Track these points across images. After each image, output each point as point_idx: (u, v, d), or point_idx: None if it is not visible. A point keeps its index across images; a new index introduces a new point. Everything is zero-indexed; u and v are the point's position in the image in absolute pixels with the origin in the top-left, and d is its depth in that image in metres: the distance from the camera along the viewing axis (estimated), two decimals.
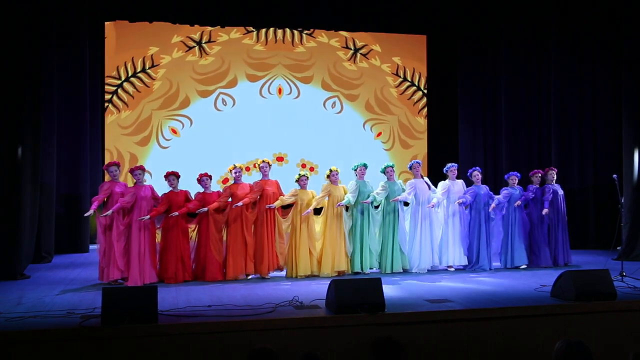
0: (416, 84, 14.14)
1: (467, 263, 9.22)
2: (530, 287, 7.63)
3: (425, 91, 14.23)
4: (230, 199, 8.39)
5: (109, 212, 7.80)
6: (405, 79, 14.08)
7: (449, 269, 9.12)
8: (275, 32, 13.42)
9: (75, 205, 11.07)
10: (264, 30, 13.38)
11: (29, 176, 8.78)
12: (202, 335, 5.62)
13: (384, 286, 6.24)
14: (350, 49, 13.83)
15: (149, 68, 12.79)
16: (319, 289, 7.22)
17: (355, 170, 8.93)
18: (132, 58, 12.76)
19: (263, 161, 8.76)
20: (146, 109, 12.78)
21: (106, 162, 9.34)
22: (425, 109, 14.28)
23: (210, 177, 8.51)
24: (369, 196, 8.75)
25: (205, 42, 13.12)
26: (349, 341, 5.76)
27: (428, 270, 9.00)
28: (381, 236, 8.90)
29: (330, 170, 8.83)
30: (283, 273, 8.60)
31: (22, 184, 8.61)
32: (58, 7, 10.15)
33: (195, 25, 12.96)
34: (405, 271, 8.93)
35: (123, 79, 12.67)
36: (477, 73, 13.48)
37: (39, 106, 9.14)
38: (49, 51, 9.72)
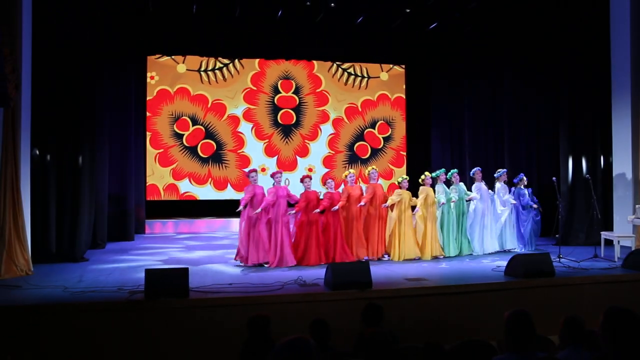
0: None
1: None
2: (488, 267, 7.66)
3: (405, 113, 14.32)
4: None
5: (259, 209, 7.75)
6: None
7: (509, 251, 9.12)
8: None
9: (123, 203, 11.03)
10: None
11: (87, 180, 8.78)
12: (224, 307, 5.65)
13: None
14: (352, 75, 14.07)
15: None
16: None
17: (437, 177, 8.93)
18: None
19: (373, 168, 8.80)
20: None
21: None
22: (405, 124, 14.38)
23: (334, 179, 8.43)
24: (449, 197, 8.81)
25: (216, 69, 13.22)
26: (342, 312, 5.77)
27: (497, 251, 9.13)
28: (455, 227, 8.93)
29: (425, 175, 8.85)
30: (386, 257, 8.55)
31: (81, 186, 8.61)
32: (109, 47, 10.16)
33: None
34: (469, 255, 8.92)
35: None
36: (445, 97, 13.48)
37: (94, 124, 9.15)
38: (102, 79, 9.71)
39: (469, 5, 10.70)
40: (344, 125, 13.98)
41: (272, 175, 8.25)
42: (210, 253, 9.23)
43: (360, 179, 8.78)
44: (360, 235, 8.39)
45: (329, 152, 13.86)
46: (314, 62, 13.74)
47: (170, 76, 12.90)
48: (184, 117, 12.94)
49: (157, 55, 12.73)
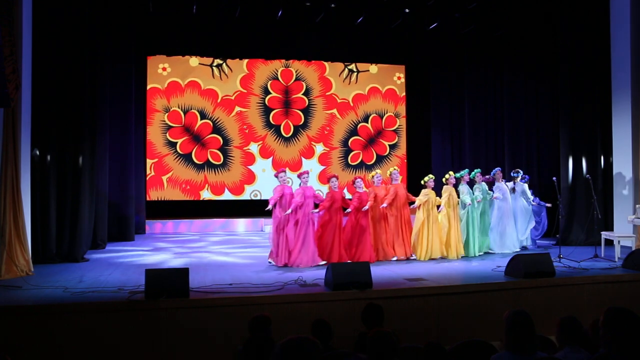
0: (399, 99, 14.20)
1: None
2: (489, 267, 7.65)
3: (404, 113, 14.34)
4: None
5: (289, 210, 7.72)
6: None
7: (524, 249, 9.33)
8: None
9: (123, 203, 11.00)
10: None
11: (87, 180, 8.77)
12: (225, 308, 5.64)
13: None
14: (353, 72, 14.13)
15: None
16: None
17: (462, 177, 8.98)
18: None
19: (395, 168, 8.78)
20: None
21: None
22: (405, 124, 14.40)
23: (361, 178, 8.46)
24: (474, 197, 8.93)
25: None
26: (342, 312, 5.77)
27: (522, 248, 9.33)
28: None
29: (450, 174, 8.89)
30: (413, 256, 8.58)
31: (82, 187, 8.60)
32: (109, 49, 10.18)
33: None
34: (490, 252, 9.02)
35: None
36: (446, 98, 13.49)
37: (95, 124, 9.14)
38: (102, 79, 9.70)
39: (469, 5, 10.69)
40: (337, 121, 13.99)
41: (299, 176, 8.19)
42: (212, 252, 9.24)
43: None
44: (387, 235, 8.39)
45: (324, 150, 13.88)
46: (314, 62, 13.79)
47: (182, 69, 13.02)
48: (192, 110, 13.03)
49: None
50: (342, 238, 8.04)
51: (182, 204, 13.05)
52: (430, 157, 13.57)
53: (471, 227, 8.86)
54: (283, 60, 13.60)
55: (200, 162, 13.09)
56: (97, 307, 5.46)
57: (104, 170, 10.12)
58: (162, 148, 12.90)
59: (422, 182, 8.80)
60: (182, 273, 5.79)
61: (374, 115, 14.20)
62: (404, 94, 14.40)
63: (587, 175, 9.39)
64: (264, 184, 13.27)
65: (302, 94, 13.75)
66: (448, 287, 6.39)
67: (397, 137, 14.33)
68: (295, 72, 13.74)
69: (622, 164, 9.72)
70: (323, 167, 13.64)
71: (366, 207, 8.06)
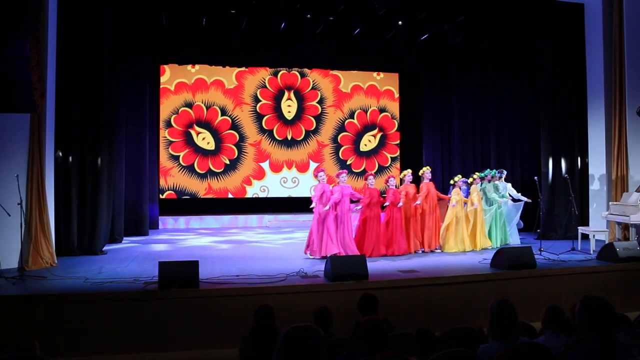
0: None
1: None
2: (475, 260, 7.66)
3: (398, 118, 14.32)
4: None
5: (327, 206, 7.71)
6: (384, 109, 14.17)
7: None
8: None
9: (138, 201, 10.95)
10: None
11: (105, 179, 8.77)
12: (232, 297, 5.66)
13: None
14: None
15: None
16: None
17: (485, 177, 9.06)
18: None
19: (427, 168, 8.81)
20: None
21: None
22: (399, 128, 14.39)
23: (394, 177, 8.49)
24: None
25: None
26: (341, 301, 5.76)
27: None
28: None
29: (476, 175, 8.99)
30: (438, 248, 8.62)
31: (100, 185, 8.61)
32: (126, 58, 10.19)
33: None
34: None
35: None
36: (436, 103, 13.44)
37: (112, 128, 9.14)
38: (119, 85, 9.71)
39: (457, 18, 10.68)
40: (325, 119, 13.96)
41: (337, 175, 8.15)
42: (220, 245, 9.23)
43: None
44: (416, 230, 8.42)
45: (317, 147, 13.87)
46: (321, 72, 13.83)
47: (208, 69, 13.00)
48: (214, 107, 13.04)
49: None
50: (380, 231, 8.07)
51: (193, 201, 13.04)
52: (422, 156, 13.53)
53: (496, 222, 8.97)
54: (270, 69, 13.53)
55: (203, 172, 13.06)
56: (115, 296, 5.49)
57: (121, 169, 10.10)
58: (167, 162, 12.83)
59: (452, 182, 8.86)
60: (192, 265, 5.81)
61: (359, 110, 14.19)
62: (384, 88, 14.35)
63: (566, 175, 9.41)
64: (271, 182, 13.35)
65: (317, 102, 13.79)
66: (438, 278, 6.40)
67: (398, 151, 14.36)
68: (313, 81, 13.78)
69: (596, 164, 9.75)
70: (317, 164, 13.63)
71: (400, 204, 8.12)
